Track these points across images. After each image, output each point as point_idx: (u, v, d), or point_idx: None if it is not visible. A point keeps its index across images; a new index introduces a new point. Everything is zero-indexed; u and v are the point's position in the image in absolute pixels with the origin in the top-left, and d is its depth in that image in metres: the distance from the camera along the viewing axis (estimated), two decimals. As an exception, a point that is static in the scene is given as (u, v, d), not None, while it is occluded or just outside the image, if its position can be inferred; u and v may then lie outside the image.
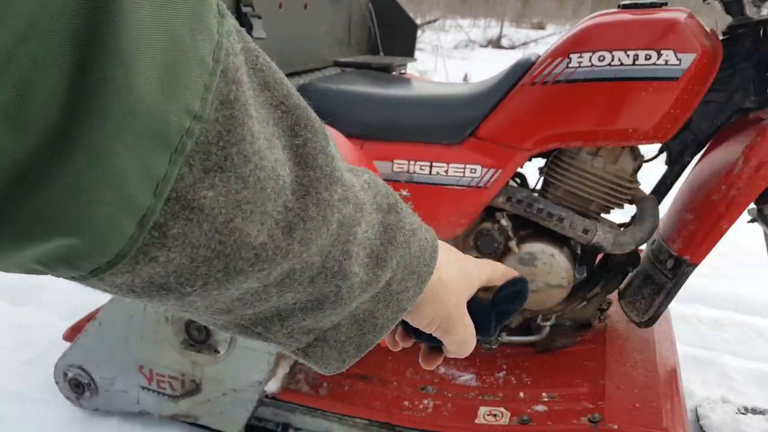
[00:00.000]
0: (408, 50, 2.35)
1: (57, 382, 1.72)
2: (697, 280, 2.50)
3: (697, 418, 1.73)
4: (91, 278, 0.27)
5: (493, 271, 0.51)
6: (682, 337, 2.17)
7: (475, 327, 0.49)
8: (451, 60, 8.63)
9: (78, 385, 1.69)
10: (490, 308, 0.50)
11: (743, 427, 1.63)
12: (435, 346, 0.51)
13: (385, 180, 1.56)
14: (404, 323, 0.48)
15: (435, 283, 0.44)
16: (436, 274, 0.44)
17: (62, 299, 2.34)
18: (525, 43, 12.32)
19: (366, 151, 1.59)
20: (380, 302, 0.41)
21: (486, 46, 12.47)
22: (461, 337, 0.48)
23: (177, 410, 1.61)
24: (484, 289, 0.51)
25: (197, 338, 1.56)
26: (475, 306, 0.49)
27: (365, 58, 2.22)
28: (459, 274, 0.47)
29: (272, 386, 1.50)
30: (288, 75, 1.83)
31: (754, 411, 1.73)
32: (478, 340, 0.50)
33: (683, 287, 2.30)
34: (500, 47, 12.37)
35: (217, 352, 1.55)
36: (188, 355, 1.56)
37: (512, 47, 12.28)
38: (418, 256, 0.42)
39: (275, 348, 0.53)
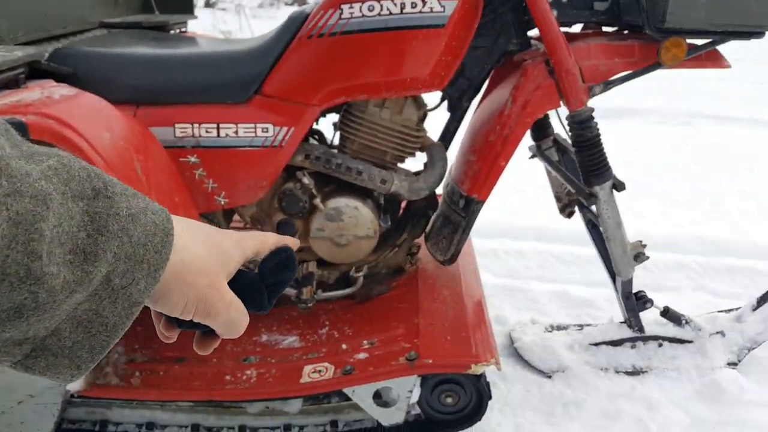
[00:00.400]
0: (186, 7, 2.21)
1: None
2: (502, 217, 2.72)
3: (512, 342, 1.86)
4: None
5: (261, 243, 0.49)
6: (492, 269, 2.35)
7: (246, 303, 0.46)
8: (256, 19, 8.37)
9: None
10: (259, 282, 0.48)
11: (550, 343, 1.78)
12: (206, 330, 0.48)
13: (168, 147, 1.48)
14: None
15: (177, 266, 0.41)
16: (177, 257, 0.41)
17: None
18: (332, 0, 12.31)
19: (140, 118, 1.47)
20: (103, 300, 0.37)
21: (291, 4, 12.25)
22: (225, 317, 0.45)
23: (-34, 433, 1.44)
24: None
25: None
26: (242, 282, 0.47)
27: (137, 17, 2.06)
28: (208, 252, 0.44)
29: (75, 385, 1.38)
30: (44, 40, 1.64)
31: (559, 327, 1.91)
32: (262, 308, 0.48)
33: (489, 225, 2.49)
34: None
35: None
36: (-33, 369, 1.39)
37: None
38: (144, 243, 0.38)
39: None
